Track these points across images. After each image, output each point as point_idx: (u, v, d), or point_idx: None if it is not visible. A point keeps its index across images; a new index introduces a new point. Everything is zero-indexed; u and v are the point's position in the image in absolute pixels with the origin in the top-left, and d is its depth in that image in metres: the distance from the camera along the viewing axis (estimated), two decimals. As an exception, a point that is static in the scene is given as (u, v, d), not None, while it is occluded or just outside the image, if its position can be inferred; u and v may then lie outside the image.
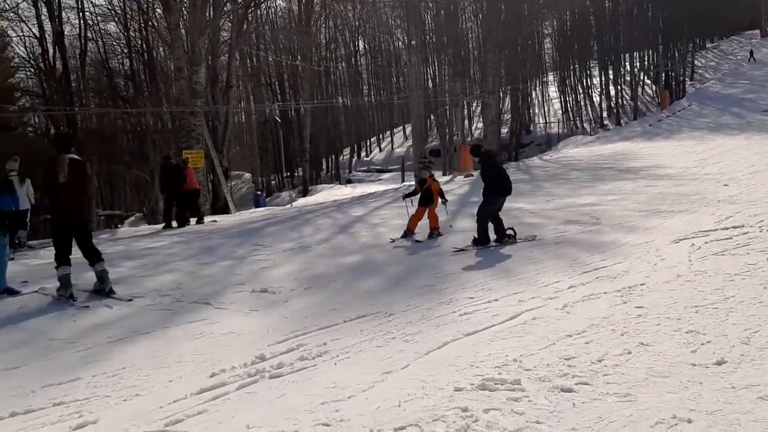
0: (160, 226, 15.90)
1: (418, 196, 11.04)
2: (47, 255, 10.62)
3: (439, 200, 10.88)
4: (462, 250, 9.35)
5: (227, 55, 27.76)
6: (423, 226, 10.80)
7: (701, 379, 3.94)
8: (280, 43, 46.19)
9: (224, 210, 22.67)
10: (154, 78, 33.75)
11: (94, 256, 7.47)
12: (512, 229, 9.66)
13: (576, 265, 7.78)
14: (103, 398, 4.39)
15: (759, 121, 28.09)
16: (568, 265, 7.82)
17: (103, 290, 7.46)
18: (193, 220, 15.49)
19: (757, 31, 59.27)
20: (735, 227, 9.01)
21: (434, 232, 10.67)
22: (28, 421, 4.06)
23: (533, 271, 7.66)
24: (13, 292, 7.57)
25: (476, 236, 9.57)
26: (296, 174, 48.14)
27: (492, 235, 9.54)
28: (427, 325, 5.68)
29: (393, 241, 10.57)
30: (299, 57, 43.26)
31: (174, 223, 14.89)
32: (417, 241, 10.36)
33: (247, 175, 51.52)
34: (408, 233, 10.72)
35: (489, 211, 9.64)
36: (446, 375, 4.33)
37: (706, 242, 8.25)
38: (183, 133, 21.70)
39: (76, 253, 7.44)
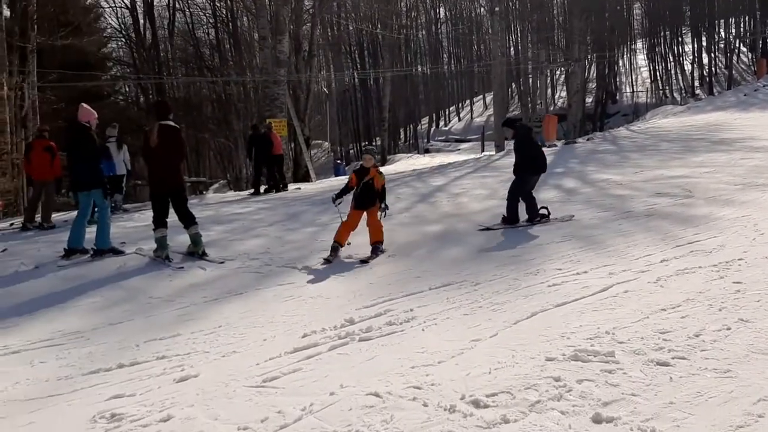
0: (247, 192, 16.38)
1: (352, 193, 8.14)
2: (141, 218, 11.20)
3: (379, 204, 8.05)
4: (488, 228, 8.90)
5: (310, 24, 27.96)
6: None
7: (808, 358, 3.78)
8: (360, 11, 46.12)
9: (305, 178, 23.07)
10: (239, 47, 34.46)
11: (188, 220, 7.79)
12: (546, 208, 9.19)
13: (668, 238, 7.53)
14: (202, 354, 4.61)
15: None
16: (660, 238, 7.58)
17: (196, 252, 7.79)
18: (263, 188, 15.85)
19: None
20: (843, 203, 8.49)
21: (377, 247, 7.71)
22: (134, 373, 4.31)
23: (623, 243, 7.46)
24: (118, 252, 8.00)
25: (505, 215, 9.14)
26: (374, 143, 48.36)
27: (524, 215, 9.10)
28: (515, 295, 5.65)
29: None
30: (379, 25, 43.15)
31: (262, 189, 15.34)
32: (326, 261, 7.45)
33: (326, 144, 52.13)
34: (334, 251, 7.59)
35: (522, 189, 9.19)
36: (537, 345, 4.31)
37: (811, 218, 7.82)
38: (266, 101, 22.11)
39: (171, 217, 7.78)
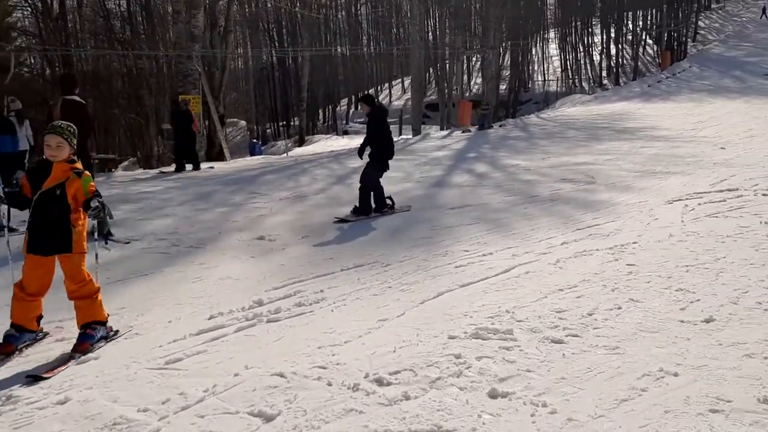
0: (155, 170, 15.92)
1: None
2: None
3: (86, 220, 4.46)
4: (343, 220, 8.51)
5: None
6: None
7: (689, 335, 4.06)
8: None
9: (219, 157, 22.57)
10: (152, 21, 33.18)
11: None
12: (390, 198, 9.03)
13: (569, 222, 7.87)
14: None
15: (759, 84, 27.99)
16: (562, 222, 7.91)
17: (101, 232, 7.51)
18: (189, 166, 15.52)
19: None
20: (730, 190, 9.08)
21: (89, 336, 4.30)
22: (32, 356, 4.17)
23: (527, 227, 7.74)
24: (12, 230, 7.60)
25: (357, 205, 8.75)
26: (292, 123, 47.78)
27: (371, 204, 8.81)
28: (423, 276, 5.78)
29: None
30: (298, 4, 42.51)
31: (189, 166, 15.07)
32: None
33: (243, 123, 51.10)
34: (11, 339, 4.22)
35: (377, 177, 8.92)
36: (441, 324, 4.44)
37: (699, 204, 8.33)
38: (180, 77, 21.45)
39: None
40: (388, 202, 8.99)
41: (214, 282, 5.90)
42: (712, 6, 58.53)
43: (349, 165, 14.79)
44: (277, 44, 50.45)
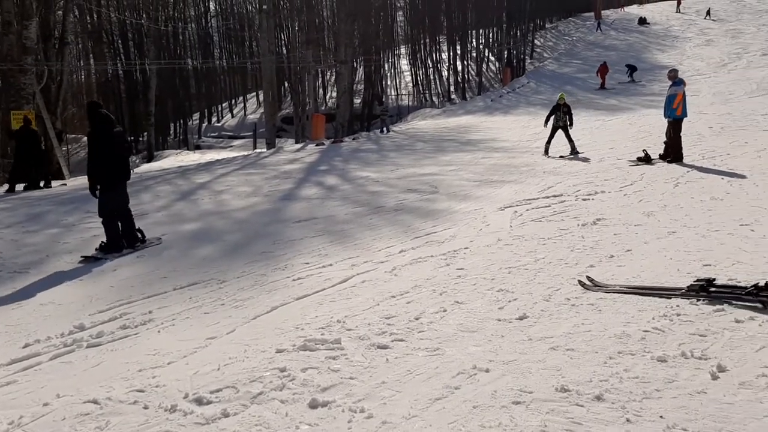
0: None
1: None
2: None
3: None
4: (90, 258, 7.24)
5: (62, 10, 25.66)
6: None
7: (504, 332, 4.30)
8: (124, 0, 43.34)
9: (58, 175, 21.15)
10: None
11: None
12: (140, 230, 7.88)
13: (409, 230, 8.12)
14: None
15: (587, 98, 30.37)
16: (403, 231, 8.14)
17: None
18: (21, 186, 14.55)
19: (592, 14, 63.65)
20: (555, 196, 9.77)
21: None
22: None
23: (370, 237, 7.90)
24: None
25: (105, 241, 7.46)
26: (141, 139, 45.72)
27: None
28: (259, 291, 5.72)
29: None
30: (144, 15, 40.93)
31: (42, 183, 14.67)
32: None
33: (86, 139, 48.20)
34: None
35: (118, 202, 7.61)
36: (270, 338, 4.41)
37: (527, 210, 8.90)
38: (12, 92, 19.94)
39: None
40: (138, 235, 7.83)
41: (35, 308, 5.51)
42: (547, 26, 62.85)
43: (195, 181, 14.40)
44: (123, 57, 48.16)
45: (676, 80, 12.62)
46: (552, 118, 15.52)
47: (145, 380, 3.77)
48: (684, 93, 12.54)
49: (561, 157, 14.49)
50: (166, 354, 4.21)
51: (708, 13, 48.70)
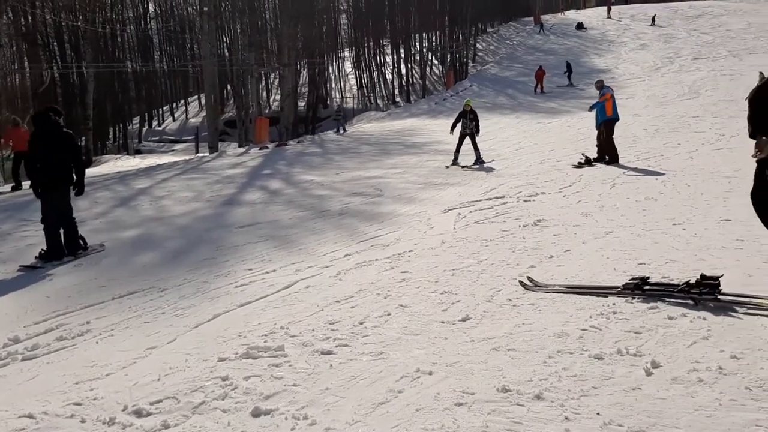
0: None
1: None
2: None
3: None
4: (29, 267, 7.06)
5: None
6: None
7: (447, 334, 4.34)
8: (59, 1, 41.96)
9: (-10, 182, 20.37)
10: None
11: None
12: (82, 237, 7.67)
13: (354, 234, 8.12)
14: None
15: (529, 101, 30.98)
16: (348, 234, 8.14)
17: None
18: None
19: (532, 18, 65.03)
20: (497, 198, 9.93)
21: None
22: None
23: (315, 241, 7.86)
24: None
25: (45, 249, 7.29)
26: (80, 143, 44.42)
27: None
28: (201, 299, 5.63)
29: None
30: (81, 17, 39.74)
31: None
32: None
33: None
34: None
35: (59, 207, 7.41)
36: (212, 346, 4.34)
37: (471, 212, 9.01)
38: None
39: None
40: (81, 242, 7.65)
41: (-36, 322, 5.28)
42: (488, 30, 63.89)
43: (135, 186, 14.08)
44: (59, 60, 46.65)
45: (603, 88, 13.13)
46: (458, 125, 14.83)
47: (82, 393, 3.66)
48: (612, 95, 12.98)
49: (464, 167, 13.92)
50: (105, 365, 4.10)
51: (653, 20, 50.36)
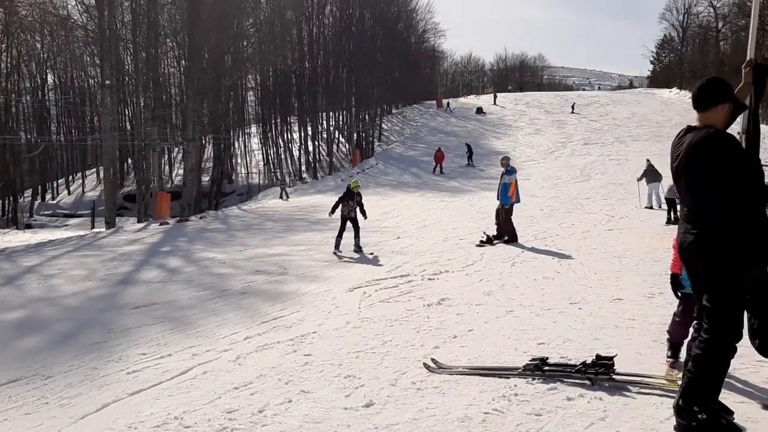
0: None
1: None
2: None
3: None
4: None
5: None
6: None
7: (350, 422, 4.23)
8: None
9: None
10: None
11: None
12: None
13: (256, 315, 7.91)
14: None
15: (432, 180, 31.92)
16: (249, 315, 7.92)
17: None
18: None
19: (434, 102, 67.88)
20: (402, 276, 10.00)
21: None
22: None
23: (214, 323, 7.60)
24: None
25: None
26: (-39, 217, 41.76)
27: None
28: (89, 386, 5.28)
29: None
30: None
31: None
32: None
33: None
34: None
35: None
36: (98, 441, 4.04)
37: (376, 290, 9.01)
38: None
39: None
40: None
41: None
42: (393, 111, 66.06)
43: (23, 264, 13.28)
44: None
45: (509, 168, 13.57)
46: (340, 206, 13.29)
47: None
48: (516, 181, 13.52)
49: (342, 259, 12.21)
50: (-27, 467, 3.72)
51: (573, 107, 53.69)
